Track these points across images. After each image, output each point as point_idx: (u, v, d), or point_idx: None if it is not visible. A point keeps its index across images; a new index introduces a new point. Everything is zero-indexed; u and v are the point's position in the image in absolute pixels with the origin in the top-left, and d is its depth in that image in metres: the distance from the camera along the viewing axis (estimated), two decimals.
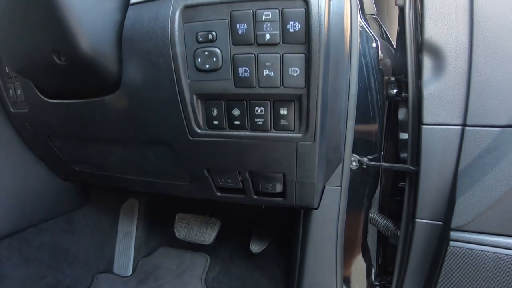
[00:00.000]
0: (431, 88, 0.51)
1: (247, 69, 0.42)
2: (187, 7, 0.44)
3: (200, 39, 0.43)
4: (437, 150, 0.53)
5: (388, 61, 0.67)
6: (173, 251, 0.85)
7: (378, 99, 0.62)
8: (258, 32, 0.41)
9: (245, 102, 0.44)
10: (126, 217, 0.87)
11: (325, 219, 0.62)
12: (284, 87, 0.42)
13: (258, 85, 0.42)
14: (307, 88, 0.41)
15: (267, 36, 0.40)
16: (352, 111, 0.52)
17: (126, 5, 0.48)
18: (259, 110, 0.44)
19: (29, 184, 0.70)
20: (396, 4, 0.57)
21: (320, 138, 0.44)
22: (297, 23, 0.39)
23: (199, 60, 0.44)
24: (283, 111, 0.43)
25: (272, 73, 0.41)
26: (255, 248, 0.80)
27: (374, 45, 0.60)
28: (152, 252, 0.86)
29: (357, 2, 0.52)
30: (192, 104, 0.46)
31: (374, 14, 0.70)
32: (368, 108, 0.60)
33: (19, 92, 0.65)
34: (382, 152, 0.67)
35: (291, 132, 0.44)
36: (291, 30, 0.40)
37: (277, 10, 0.40)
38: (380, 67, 0.62)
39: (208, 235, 0.81)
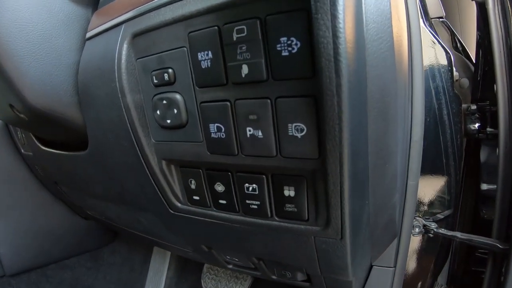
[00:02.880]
0: None
1: (221, 127, 0.25)
2: (136, 35, 0.29)
3: (156, 81, 0.28)
4: None
5: (465, 81, 0.42)
6: None
7: (454, 138, 0.38)
8: (229, 64, 0.23)
9: (229, 174, 0.28)
10: (159, 255, 0.81)
11: None
12: (283, 156, 0.24)
13: (242, 152, 0.25)
14: (322, 160, 0.22)
15: (244, 70, 0.23)
16: (415, 166, 0.31)
17: (82, 41, 0.37)
18: (250, 188, 0.27)
19: (49, 221, 0.68)
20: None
21: (352, 232, 0.25)
22: (294, 40, 0.21)
23: (158, 112, 0.29)
24: (289, 192, 0.25)
25: (260, 133, 0.24)
26: None
27: (445, 61, 0.36)
28: None
29: (416, 1, 0.29)
30: (162, 171, 0.32)
31: (442, 17, 0.45)
32: (440, 152, 0.37)
33: (24, 135, 0.62)
34: (459, 206, 0.42)
35: (304, 223, 0.26)
36: (285, 53, 0.21)
37: (257, 20, 0.22)
38: (455, 91, 0.38)
39: None
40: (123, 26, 0.31)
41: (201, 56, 0.25)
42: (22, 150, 0.62)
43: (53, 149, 0.51)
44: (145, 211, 0.41)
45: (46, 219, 0.67)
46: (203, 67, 0.25)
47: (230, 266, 0.44)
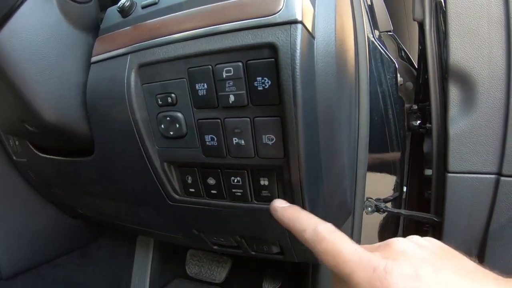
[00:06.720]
0: (458, 126, 0.39)
1: (214, 137, 0.35)
2: (142, 65, 0.37)
3: (160, 102, 0.37)
4: (465, 202, 0.41)
5: (410, 84, 0.54)
6: (188, 284, 0.84)
7: (398, 133, 0.50)
8: (220, 93, 0.33)
9: (219, 170, 0.37)
10: (142, 248, 0.87)
11: None
12: (259, 157, 0.34)
13: (229, 155, 0.35)
14: (287, 159, 0.33)
15: (231, 98, 0.32)
16: (363, 157, 0.42)
17: (88, 64, 0.43)
18: (235, 180, 0.37)
19: (40, 224, 0.72)
20: (414, 19, 0.44)
21: (311, 208, 0.36)
22: (266, 79, 0.31)
23: (163, 126, 0.37)
24: (264, 182, 0.36)
25: (243, 142, 0.34)
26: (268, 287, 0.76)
27: (391, 69, 0.48)
28: (167, 284, 0.86)
29: (363, 21, 0.40)
30: (164, 171, 0.41)
31: (390, 31, 0.57)
32: (386, 144, 0.49)
33: (17, 143, 0.66)
34: (405, 188, 0.55)
35: None
36: (260, 88, 0.31)
37: (240, 64, 0.31)
38: (400, 94, 0.50)
39: (219, 274, 0.78)
40: (129, 56, 0.38)
41: (198, 86, 0.34)
42: (14, 157, 0.65)
43: (48, 155, 0.57)
44: (144, 205, 0.49)
45: (37, 221, 0.71)
46: (200, 94, 0.34)
47: (216, 247, 0.53)
